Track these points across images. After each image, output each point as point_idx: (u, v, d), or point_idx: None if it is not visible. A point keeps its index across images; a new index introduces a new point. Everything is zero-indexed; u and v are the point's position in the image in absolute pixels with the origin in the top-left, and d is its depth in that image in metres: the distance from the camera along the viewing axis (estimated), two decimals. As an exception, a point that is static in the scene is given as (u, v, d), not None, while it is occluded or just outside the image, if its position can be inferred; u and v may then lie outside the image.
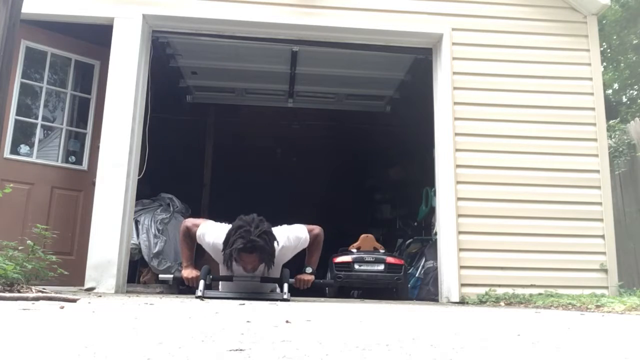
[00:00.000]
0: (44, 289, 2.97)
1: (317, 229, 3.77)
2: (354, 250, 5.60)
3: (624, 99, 14.17)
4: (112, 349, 1.13)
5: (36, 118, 4.93)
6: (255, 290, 3.77)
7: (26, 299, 2.49)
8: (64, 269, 3.60)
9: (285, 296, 3.48)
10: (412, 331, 1.69)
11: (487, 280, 4.55)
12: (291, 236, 3.64)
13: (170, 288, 5.16)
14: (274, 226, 3.59)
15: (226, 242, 3.35)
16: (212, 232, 3.58)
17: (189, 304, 2.88)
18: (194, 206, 6.98)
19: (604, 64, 12.82)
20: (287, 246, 3.59)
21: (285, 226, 3.72)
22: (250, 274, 3.69)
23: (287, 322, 1.81)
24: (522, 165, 4.81)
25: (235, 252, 3.27)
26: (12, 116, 4.67)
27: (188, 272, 3.63)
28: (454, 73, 4.95)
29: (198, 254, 4.28)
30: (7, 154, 4.68)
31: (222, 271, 3.72)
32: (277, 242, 3.43)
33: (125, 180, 4.51)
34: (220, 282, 3.89)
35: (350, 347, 1.24)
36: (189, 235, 3.70)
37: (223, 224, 3.62)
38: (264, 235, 3.30)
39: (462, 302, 4.47)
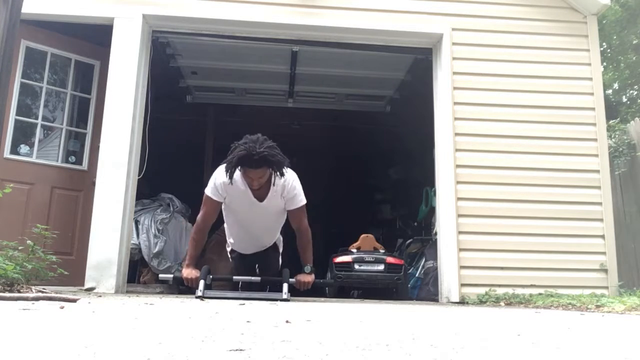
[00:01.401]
0: (44, 289, 2.97)
1: (306, 221, 3.71)
2: (354, 250, 5.61)
3: (624, 99, 14.16)
4: (112, 349, 1.13)
5: (36, 118, 4.93)
6: (261, 248, 3.78)
7: (26, 299, 2.49)
8: (64, 269, 3.60)
9: (285, 296, 3.48)
10: (412, 331, 1.69)
11: (487, 280, 4.55)
12: (293, 179, 3.54)
13: (170, 288, 5.16)
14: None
15: (229, 158, 3.24)
16: (217, 175, 3.49)
17: (189, 304, 2.88)
18: (194, 206, 6.97)
19: (604, 64, 12.81)
20: (287, 180, 3.47)
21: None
22: (256, 236, 3.69)
23: (287, 322, 1.81)
24: (522, 165, 4.81)
25: (239, 161, 3.18)
26: (12, 116, 4.68)
27: (188, 272, 3.62)
28: (454, 73, 4.95)
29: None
30: (7, 154, 4.68)
31: (229, 220, 3.68)
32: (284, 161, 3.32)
33: (125, 180, 4.51)
34: (232, 238, 3.86)
35: (350, 347, 1.24)
36: (202, 229, 3.64)
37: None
38: (268, 145, 3.22)
39: (462, 302, 4.47)
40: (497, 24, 5.06)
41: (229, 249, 4.00)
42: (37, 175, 4.79)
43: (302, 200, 3.62)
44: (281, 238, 4.04)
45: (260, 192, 3.48)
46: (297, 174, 3.67)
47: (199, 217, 3.68)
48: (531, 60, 5.02)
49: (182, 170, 7.87)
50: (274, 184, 3.45)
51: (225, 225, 3.87)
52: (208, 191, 3.58)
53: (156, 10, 4.82)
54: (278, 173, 3.33)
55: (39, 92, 5.00)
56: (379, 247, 5.74)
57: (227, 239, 3.94)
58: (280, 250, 4.07)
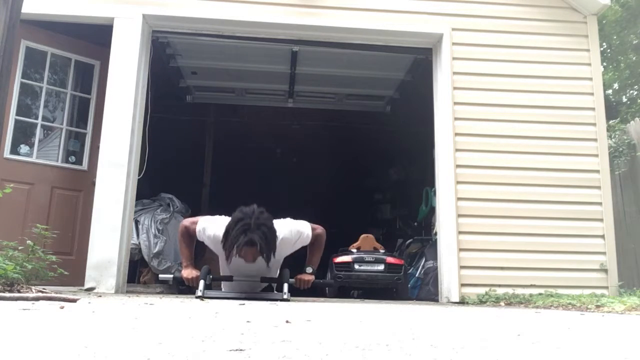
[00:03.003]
0: (44, 289, 2.97)
1: (319, 228, 3.76)
2: (354, 250, 5.61)
3: (624, 99, 14.16)
4: (112, 349, 1.13)
5: (36, 118, 4.93)
6: (255, 288, 3.77)
7: (26, 299, 2.49)
8: (64, 269, 3.60)
9: (285, 296, 3.48)
10: (412, 331, 1.69)
11: (487, 280, 4.55)
12: (293, 229, 3.61)
13: (170, 288, 5.16)
14: (278, 219, 3.58)
15: (226, 235, 3.32)
16: (212, 226, 3.56)
17: (189, 304, 2.88)
18: (194, 206, 6.98)
19: (604, 64, 12.81)
20: (287, 239, 3.56)
21: (289, 219, 3.70)
22: (251, 275, 3.70)
23: (287, 322, 1.81)
24: (522, 165, 4.81)
25: (235, 247, 3.25)
26: (12, 116, 4.67)
27: (188, 272, 3.63)
28: (454, 73, 4.95)
29: (198, 254, 4.29)
30: (7, 154, 4.68)
31: (222, 264, 3.71)
32: (277, 234, 3.40)
33: (125, 180, 4.51)
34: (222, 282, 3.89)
35: (350, 347, 1.24)
36: (188, 234, 3.70)
37: (222, 216, 3.60)
38: (263, 228, 3.27)
39: (462, 302, 4.47)
40: (497, 24, 5.06)
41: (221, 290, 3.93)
42: (37, 175, 4.78)
43: (308, 233, 3.66)
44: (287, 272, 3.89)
45: (254, 258, 3.45)
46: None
47: (186, 224, 3.70)
48: (531, 60, 5.01)
49: (182, 170, 7.88)
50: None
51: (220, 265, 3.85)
52: (200, 226, 3.61)
53: (156, 10, 4.82)
54: (267, 258, 3.35)
55: (39, 92, 5.00)
56: (379, 247, 5.74)
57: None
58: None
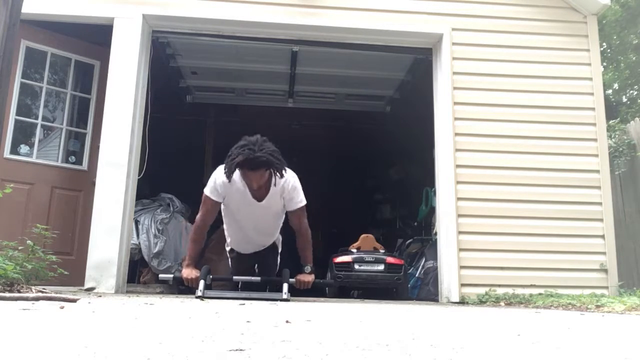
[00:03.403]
0: (44, 289, 2.97)
1: (306, 221, 3.71)
2: (354, 250, 5.60)
3: (624, 99, 14.16)
4: (112, 349, 1.13)
5: (36, 118, 4.93)
6: (263, 245, 3.78)
7: (26, 299, 2.49)
8: (64, 269, 3.60)
9: (285, 296, 3.48)
10: (412, 331, 1.69)
11: (487, 280, 4.55)
12: (293, 180, 3.55)
13: (170, 288, 5.16)
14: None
15: (229, 159, 3.24)
16: (216, 175, 3.49)
17: (189, 304, 2.88)
18: (194, 206, 6.97)
19: (604, 64, 12.81)
20: (287, 181, 3.48)
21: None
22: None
23: (287, 322, 1.81)
24: (522, 165, 4.81)
25: (240, 164, 3.18)
26: (12, 116, 4.67)
27: (188, 272, 3.62)
28: (454, 73, 4.95)
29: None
30: (7, 154, 4.68)
31: (231, 213, 3.66)
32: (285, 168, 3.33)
33: (125, 180, 4.51)
34: (231, 238, 3.86)
35: (350, 347, 1.24)
36: (201, 228, 3.63)
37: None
38: (267, 147, 3.22)
39: (462, 302, 4.47)
40: (497, 24, 5.06)
41: (227, 248, 4.00)
42: (37, 175, 4.78)
43: (302, 201, 3.62)
44: (280, 238, 4.03)
45: (260, 192, 3.48)
46: (297, 174, 3.68)
47: (198, 217, 3.68)
48: (531, 60, 5.01)
49: (182, 170, 7.87)
50: (274, 184, 3.44)
51: (224, 224, 3.87)
52: (207, 191, 3.58)
53: (156, 10, 4.82)
54: (277, 174, 3.33)
55: (39, 92, 5.00)
56: (379, 247, 5.74)
57: (225, 237, 3.94)
58: (280, 250, 4.07)
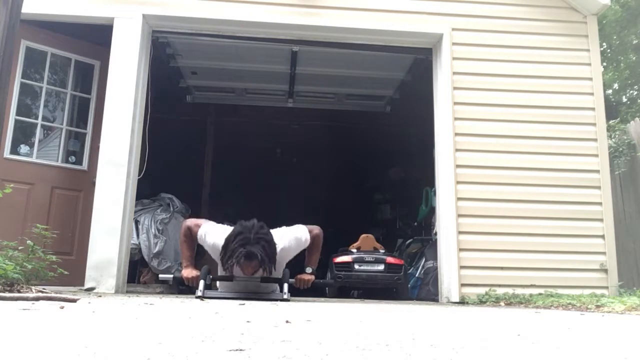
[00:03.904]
0: (44, 289, 2.97)
1: (316, 229, 3.77)
2: (354, 250, 5.60)
3: (624, 99, 14.16)
4: (112, 349, 1.13)
5: (36, 118, 4.93)
6: (255, 290, 3.76)
7: (26, 299, 2.49)
8: (64, 269, 3.60)
9: (285, 296, 3.48)
10: (412, 331, 1.69)
11: (487, 280, 4.55)
12: (291, 238, 3.64)
13: (170, 288, 5.16)
14: (274, 228, 3.58)
15: (225, 248, 3.34)
16: (214, 234, 3.58)
17: (189, 304, 2.88)
18: (194, 206, 6.98)
19: (604, 64, 12.80)
20: (287, 248, 3.58)
21: (284, 228, 3.71)
22: (251, 280, 3.71)
23: (287, 322, 1.81)
24: (522, 165, 4.81)
25: (233, 260, 3.26)
26: (12, 116, 4.67)
27: (188, 272, 3.63)
28: (454, 73, 4.95)
29: (198, 254, 4.28)
30: (7, 154, 4.67)
31: (222, 271, 3.71)
32: (277, 246, 3.42)
33: (125, 180, 4.51)
34: (219, 282, 3.89)
35: (350, 347, 1.24)
36: (190, 235, 3.70)
37: (224, 225, 3.62)
38: (263, 243, 3.29)
39: (462, 302, 4.47)
40: (497, 24, 5.06)
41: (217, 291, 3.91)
42: (37, 175, 4.78)
43: (306, 236, 3.67)
44: (288, 271, 3.85)
45: (253, 271, 3.46)
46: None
47: (188, 225, 3.70)
48: (531, 60, 5.01)
49: (182, 170, 7.88)
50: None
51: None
52: (202, 230, 3.63)
53: (156, 10, 4.82)
54: (267, 271, 3.36)
55: (39, 92, 5.00)
56: (379, 247, 5.74)
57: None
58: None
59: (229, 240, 3.34)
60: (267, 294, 3.76)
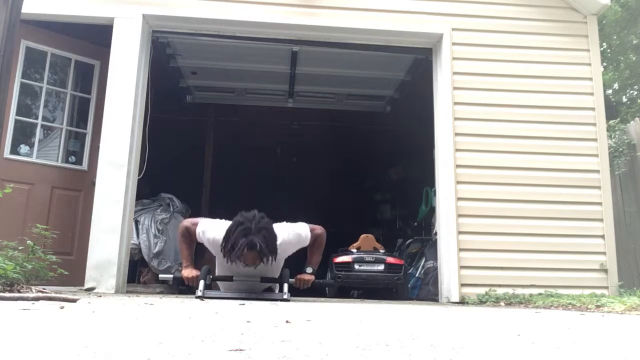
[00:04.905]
0: (44, 289, 2.97)
1: (319, 229, 3.77)
2: (354, 250, 5.60)
3: (624, 99, 14.15)
4: (112, 349, 1.13)
5: (36, 118, 4.93)
6: (255, 290, 3.77)
7: (26, 299, 2.49)
8: (64, 269, 3.60)
9: (285, 296, 3.48)
10: (412, 331, 1.69)
11: (487, 280, 4.55)
12: (291, 232, 3.63)
13: (170, 288, 5.16)
14: (276, 222, 3.58)
15: (226, 238, 3.34)
16: (212, 229, 3.58)
17: (189, 304, 2.88)
18: (194, 206, 6.98)
19: (604, 64, 12.80)
20: (286, 241, 3.57)
21: (286, 223, 3.72)
22: (250, 275, 3.70)
23: (287, 322, 1.81)
24: (522, 165, 4.81)
25: (235, 250, 3.27)
26: (12, 116, 4.67)
27: (188, 272, 3.63)
28: (454, 73, 4.95)
29: (198, 254, 4.29)
30: (7, 154, 4.67)
31: (222, 267, 3.72)
32: (277, 238, 3.42)
33: (125, 180, 4.51)
34: (219, 282, 3.89)
35: (350, 347, 1.24)
36: (188, 235, 3.71)
37: (222, 220, 3.63)
38: (264, 232, 3.29)
39: (462, 302, 4.47)
40: (497, 24, 5.06)
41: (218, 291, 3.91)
42: (37, 175, 4.78)
43: (306, 234, 3.68)
44: (288, 271, 3.87)
45: (254, 262, 3.45)
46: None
47: (186, 225, 3.71)
48: (531, 60, 5.01)
49: (182, 170, 7.87)
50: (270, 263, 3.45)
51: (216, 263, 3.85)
52: (200, 228, 3.63)
53: (156, 10, 4.82)
54: (267, 261, 3.36)
55: (39, 92, 5.00)
56: (379, 247, 5.74)
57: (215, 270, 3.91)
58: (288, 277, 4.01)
59: (230, 230, 3.34)
60: (267, 293, 3.77)
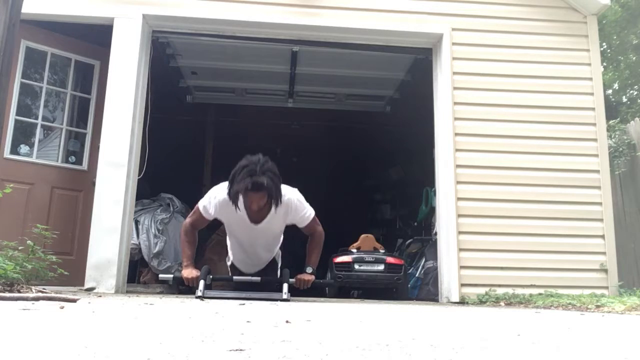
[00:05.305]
0: (44, 289, 2.97)
1: (320, 227, 3.76)
2: (354, 250, 5.60)
3: (624, 99, 14.15)
4: (112, 349, 1.13)
5: (36, 118, 4.93)
6: (261, 264, 3.80)
7: (26, 299, 2.49)
8: (64, 269, 3.60)
9: (285, 296, 3.48)
10: (412, 331, 1.69)
11: (487, 280, 4.55)
12: (296, 198, 3.56)
13: (170, 288, 5.16)
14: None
15: (231, 181, 3.29)
16: (213, 194, 3.53)
17: (189, 304, 2.88)
18: (194, 206, 6.97)
19: (604, 64, 12.80)
20: (291, 201, 3.50)
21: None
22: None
23: (287, 322, 1.81)
24: (522, 165, 4.81)
25: (242, 190, 3.21)
26: (12, 116, 4.67)
27: (188, 272, 3.62)
28: (454, 73, 4.95)
29: (198, 254, 4.29)
30: (7, 154, 4.68)
31: (231, 234, 3.70)
32: (283, 191, 3.37)
33: (125, 180, 4.51)
34: (231, 254, 3.88)
35: (350, 347, 1.24)
36: (191, 232, 3.67)
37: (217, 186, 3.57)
38: (270, 174, 3.24)
39: (462, 302, 4.47)
40: (497, 24, 5.06)
41: (228, 263, 3.99)
42: (37, 175, 4.78)
43: (311, 215, 3.65)
44: (280, 252, 4.04)
45: (258, 215, 3.47)
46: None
47: (187, 221, 3.70)
48: (531, 60, 5.01)
49: (182, 170, 7.87)
50: (275, 211, 3.44)
51: (227, 238, 3.87)
52: (201, 204, 3.59)
53: (156, 10, 4.82)
54: (274, 203, 3.34)
55: (39, 92, 5.00)
56: (379, 247, 5.74)
57: (228, 250, 3.94)
58: (279, 264, 4.08)
59: (235, 173, 3.29)
60: (267, 293, 3.76)
